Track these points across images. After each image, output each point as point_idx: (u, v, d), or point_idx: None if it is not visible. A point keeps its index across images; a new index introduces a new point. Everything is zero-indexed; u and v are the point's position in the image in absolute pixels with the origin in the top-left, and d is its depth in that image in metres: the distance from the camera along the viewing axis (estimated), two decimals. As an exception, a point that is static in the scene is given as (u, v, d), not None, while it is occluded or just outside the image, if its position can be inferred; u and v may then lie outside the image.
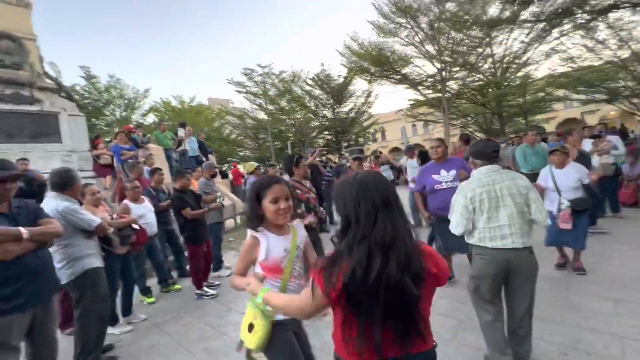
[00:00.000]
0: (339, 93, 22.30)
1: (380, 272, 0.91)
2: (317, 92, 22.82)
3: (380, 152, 16.90)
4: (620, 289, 2.96)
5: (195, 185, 5.16)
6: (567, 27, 13.28)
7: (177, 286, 4.44)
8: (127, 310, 3.53)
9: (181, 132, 8.43)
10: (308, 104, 23.04)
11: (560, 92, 18.14)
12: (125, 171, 6.49)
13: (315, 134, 24.38)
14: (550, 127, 24.12)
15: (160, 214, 4.48)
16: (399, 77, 16.87)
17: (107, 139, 10.87)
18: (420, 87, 17.21)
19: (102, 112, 17.86)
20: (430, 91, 17.72)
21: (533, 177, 6.50)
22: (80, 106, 15.78)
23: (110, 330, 3.16)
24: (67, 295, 3.22)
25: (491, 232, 2.03)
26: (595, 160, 5.16)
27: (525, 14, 10.13)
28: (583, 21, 12.56)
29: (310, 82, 22.32)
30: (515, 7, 8.43)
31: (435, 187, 3.31)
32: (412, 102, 20.01)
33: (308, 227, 3.23)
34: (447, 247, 3.32)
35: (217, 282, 4.44)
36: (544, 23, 12.34)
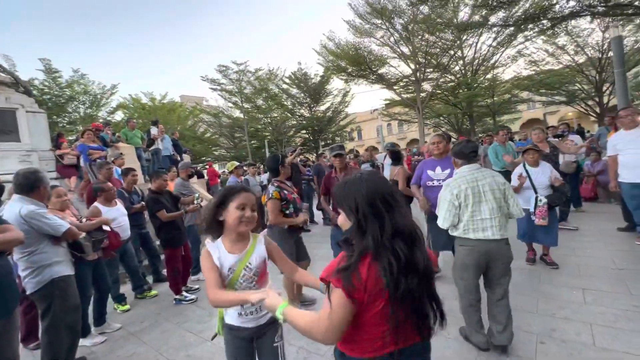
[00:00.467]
0: (316, 92, 22.31)
1: (421, 259, 0.98)
2: (294, 90, 22.71)
3: (357, 151, 17.05)
4: (587, 279, 3.16)
5: (171, 186, 4.95)
6: (531, 32, 14.12)
7: (153, 292, 4.23)
8: (100, 319, 3.30)
9: (154, 130, 8.05)
10: (285, 103, 22.87)
11: (525, 94, 19.28)
12: (94, 172, 6.10)
13: (293, 133, 24.27)
14: (515, 127, 25.45)
15: (134, 216, 4.25)
16: (375, 77, 17.14)
17: (70, 138, 10.20)
18: (395, 87, 17.59)
19: (64, 108, 16.66)
20: (405, 91, 18.17)
21: (505, 174, 6.83)
22: (40, 102, 14.70)
23: (81, 342, 2.95)
24: (31, 307, 3.00)
25: (474, 225, 2.20)
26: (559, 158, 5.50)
27: (493, 19, 10.62)
28: (545, 27, 13.40)
29: (287, 80, 22.17)
30: (484, 12, 8.81)
31: (427, 183, 3.36)
32: (387, 102, 20.44)
33: (298, 228, 3.19)
34: (437, 246, 3.39)
35: (196, 286, 4.28)
36: (511, 27, 13.05)
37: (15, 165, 6.16)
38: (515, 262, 2.33)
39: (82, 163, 6.18)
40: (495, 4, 6.07)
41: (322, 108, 23.45)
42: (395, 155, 5.10)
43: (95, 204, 3.64)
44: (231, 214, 1.38)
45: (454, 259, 2.43)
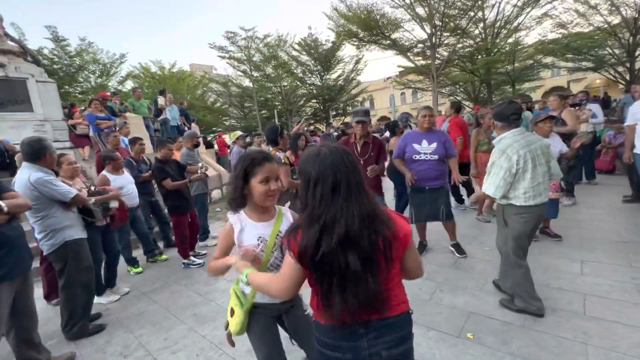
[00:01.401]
0: (327, 59, 21.51)
1: (326, 251, 0.94)
2: (304, 58, 21.95)
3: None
4: (588, 251, 3.14)
5: (177, 155, 5.03)
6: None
7: (164, 256, 4.46)
8: (111, 282, 3.50)
9: (161, 100, 8.06)
10: (295, 71, 22.22)
11: (548, 60, 18.03)
12: (102, 141, 6.24)
13: (303, 103, 23.82)
14: (536, 96, 24.18)
15: (143, 185, 4.38)
16: (388, 42, 16.30)
17: (82, 108, 10.35)
18: (409, 54, 16.74)
19: (75, 78, 16.72)
20: (419, 58, 17.30)
21: None
22: (50, 72, 14.75)
23: (97, 299, 3.20)
24: (51, 267, 3.21)
25: (534, 191, 2.18)
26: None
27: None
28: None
29: (297, 47, 21.38)
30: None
31: (413, 156, 3.28)
32: (401, 69, 19.58)
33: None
34: (420, 218, 3.41)
35: (204, 252, 4.48)
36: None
37: (31, 134, 6.36)
38: (512, 233, 2.32)
39: (91, 133, 6.30)
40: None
41: (334, 76, 22.71)
42: (391, 127, 5.16)
43: (104, 172, 3.77)
44: (256, 189, 1.29)
45: (505, 229, 2.34)
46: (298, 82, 22.85)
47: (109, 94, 8.28)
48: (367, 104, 40.65)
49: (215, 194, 8.39)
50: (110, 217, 3.15)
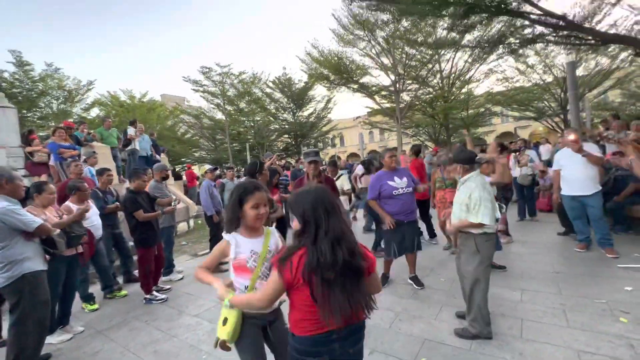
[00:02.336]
0: (299, 97, 22.55)
1: (340, 257, 1.20)
2: (278, 95, 22.86)
3: (339, 157, 17.48)
4: (527, 281, 3.52)
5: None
6: (503, 51, 15.01)
7: (123, 292, 4.27)
8: (64, 319, 3.30)
9: (131, 131, 7.98)
10: (268, 107, 22.97)
11: (497, 108, 20.32)
12: (64, 171, 6.03)
13: (275, 137, 24.35)
14: (489, 139, 26.66)
15: (108, 216, 4.30)
16: (356, 85, 17.59)
17: (41, 134, 9.91)
18: (376, 97, 18.11)
19: (35, 103, 16.04)
20: (385, 101, 18.74)
21: None
22: (9, 96, 14.11)
23: (47, 339, 3.00)
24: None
25: (494, 221, 2.52)
26: (517, 171, 6.00)
27: (469, 37, 11.26)
28: (515, 47, 14.30)
29: (271, 84, 22.30)
30: (457, 34, 9.38)
31: (393, 192, 3.52)
32: (369, 110, 20.95)
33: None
34: (401, 251, 3.60)
35: (167, 287, 4.35)
36: (484, 48, 13.83)
37: (-18, 161, 6.00)
38: (457, 264, 2.61)
39: (51, 162, 6.08)
40: (462, 28, 6.53)
41: (305, 113, 23.70)
42: (366, 165, 5.61)
43: (68, 203, 3.68)
44: (248, 213, 1.57)
45: (477, 255, 2.52)
46: (271, 118, 23.54)
47: (74, 123, 8.07)
48: (337, 141, 42.24)
49: (182, 226, 8.19)
50: (81, 246, 3.09)
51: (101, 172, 4.61)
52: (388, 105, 18.59)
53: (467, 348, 2.43)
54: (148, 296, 3.94)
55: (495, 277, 3.67)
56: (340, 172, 6.49)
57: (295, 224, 1.34)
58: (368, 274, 1.30)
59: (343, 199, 4.69)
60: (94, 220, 3.82)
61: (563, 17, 5.59)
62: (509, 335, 2.55)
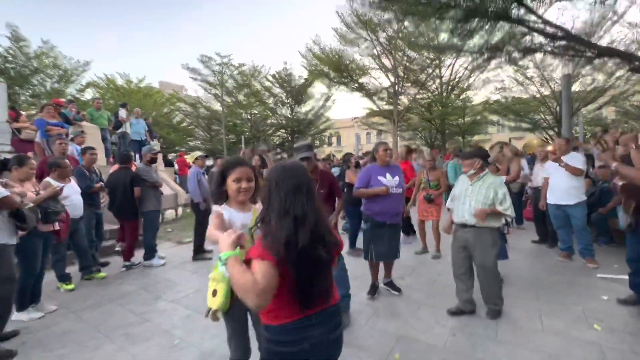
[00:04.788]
0: (298, 93, 22.42)
1: (300, 241, 1.10)
2: (277, 89, 22.70)
3: (334, 156, 17.44)
4: (507, 286, 3.48)
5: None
6: (502, 59, 15.14)
7: (102, 274, 4.19)
8: (35, 298, 3.18)
9: (122, 113, 7.86)
10: (267, 101, 22.80)
11: (494, 117, 20.49)
12: (49, 147, 5.90)
13: (272, 132, 24.21)
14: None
15: (91, 196, 4.21)
16: (355, 85, 17.57)
17: (32, 112, 9.70)
18: (374, 97, 18.11)
19: (28, 80, 15.70)
20: (383, 102, 18.76)
21: None
22: (0, 71, 13.80)
23: (17, 316, 2.94)
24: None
25: None
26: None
27: (469, 44, 11.32)
28: (515, 56, 14.42)
29: (270, 78, 22.14)
30: (458, 40, 9.42)
31: (393, 190, 3.20)
32: (367, 111, 20.96)
33: None
34: (380, 257, 3.30)
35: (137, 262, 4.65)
36: (484, 55, 13.93)
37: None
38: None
39: (37, 138, 5.94)
40: (463, 32, 6.53)
41: (304, 110, 23.61)
42: (357, 163, 5.68)
43: (48, 179, 3.58)
44: (230, 186, 1.61)
45: (495, 247, 2.82)
46: (268, 112, 23.37)
47: (63, 100, 7.89)
48: (334, 140, 42.17)
49: (170, 214, 8.08)
50: (58, 223, 3.02)
51: (84, 150, 4.51)
52: (386, 107, 18.62)
53: (441, 346, 2.42)
54: (128, 263, 4.52)
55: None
56: (333, 169, 6.49)
57: (262, 195, 1.29)
58: (338, 253, 1.29)
59: None
60: (73, 199, 3.72)
61: (561, 28, 5.62)
62: (484, 336, 2.55)
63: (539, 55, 14.64)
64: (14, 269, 2.58)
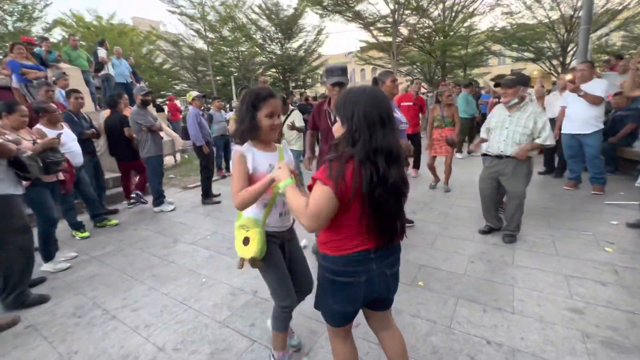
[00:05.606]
0: (288, 26, 20.59)
1: (393, 178, 1.07)
2: (264, 22, 20.75)
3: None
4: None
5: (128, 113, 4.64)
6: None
7: (114, 221, 4.18)
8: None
9: (102, 53, 7.11)
10: (254, 36, 20.99)
11: (496, 48, 19.35)
12: (30, 93, 5.43)
13: (262, 70, 22.78)
14: (482, 82, 25.96)
15: (86, 142, 4.00)
16: (352, 13, 16.07)
17: (-1, 55, 8.80)
18: (372, 28, 16.73)
19: (-14, 19, 14.00)
20: (381, 34, 17.40)
21: (472, 120, 7.30)
22: (-48, 7, 12.18)
23: (44, 267, 2.96)
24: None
25: None
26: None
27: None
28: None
29: (256, 9, 20.08)
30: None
31: (400, 127, 3.07)
32: (363, 44, 19.57)
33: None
34: None
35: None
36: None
37: None
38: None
39: (14, 84, 5.43)
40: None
41: (295, 45, 21.93)
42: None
43: (38, 125, 3.33)
44: (263, 122, 1.39)
45: (529, 176, 2.92)
46: (257, 49, 21.69)
47: (34, 38, 7.07)
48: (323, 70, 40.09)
49: (168, 160, 7.91)
50: (60, 172, 2.88)
51: (68, 94, 4.14)
52: (384, 38, 17.32)
53: (461, 273, 2.53)
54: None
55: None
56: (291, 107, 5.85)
57: (337, 126, 1.15)
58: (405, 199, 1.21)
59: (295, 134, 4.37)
60: (71, 146, 3.50)
61: None
62: (501, 261, 2.66)
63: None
64: (26, 218, 2.50)
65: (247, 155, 1.40)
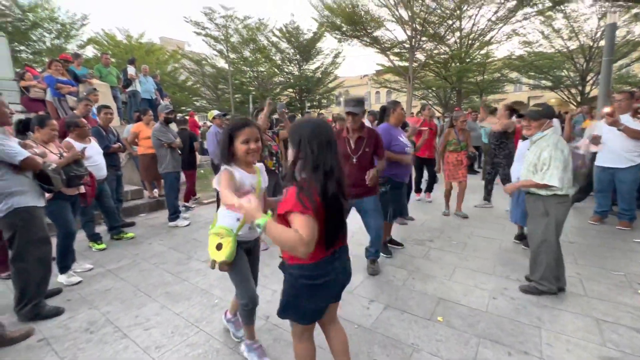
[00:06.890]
0: (306, 49, 21.26)
1: (329, 190, 1.23)
2: (284, 45, 21.51)
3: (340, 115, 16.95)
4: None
5: (145, 131, 4.83)
6: (531, 9, 13.95)
7: (130, 234, 4.23)
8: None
9: (131, 70, 7.49)
10: (273, 57, 21.72)
11: (513, 75, 19.36)
12: (62, 106, 5.72)
13: (279, 90, 23.38)
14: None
15: (111, 156, 4.13)
16: (369, 39, 16.49)
17: (39, 69, 9.34)
18: (389, 53, 17.08)
19: (27, 36, 14.99)
20: (397, 59, 17.72)
21: None
22: (-2, 25, 13.15)
23: (59, 278, 2.99)
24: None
25: (569, 182, 2.41)
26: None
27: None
28: (546, 7, 13.26)
29: (277, 33, 20.87)
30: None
31: (405, 149, 3.23)
32: (380, 67, 19.91)
33: (270, 171, 3.33)
34: (396, 215, 3.48)
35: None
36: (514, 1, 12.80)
37: (-26, 91, 5.64)
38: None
39: (48, 97, 5.72)
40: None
41: (312, 67, 22.53)
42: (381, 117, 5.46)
43: (68, 139, 3.46)
44: (238, 148, 1.62)
45: (546, 217, 2.45)
46: (275, 69, 22.40)
47: (70, 55, 7.51)
48: (342, 99, 40.85)
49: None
50: (82, 186, 2.95)
51: (99, 109, 4.33)
52: (400, 63, 17.62)
53: (483, 310, 2.41)
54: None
55: (517, 246, 3.65)
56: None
57: (290, 152, 1.34)
58: None
59: None
60: (96, 159, 3.63)
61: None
62: (525, 299, 2.53)
63: (573, 4, 13.44)
64: (46, 230, 2.55)
65: (235, 173, 1.62)
